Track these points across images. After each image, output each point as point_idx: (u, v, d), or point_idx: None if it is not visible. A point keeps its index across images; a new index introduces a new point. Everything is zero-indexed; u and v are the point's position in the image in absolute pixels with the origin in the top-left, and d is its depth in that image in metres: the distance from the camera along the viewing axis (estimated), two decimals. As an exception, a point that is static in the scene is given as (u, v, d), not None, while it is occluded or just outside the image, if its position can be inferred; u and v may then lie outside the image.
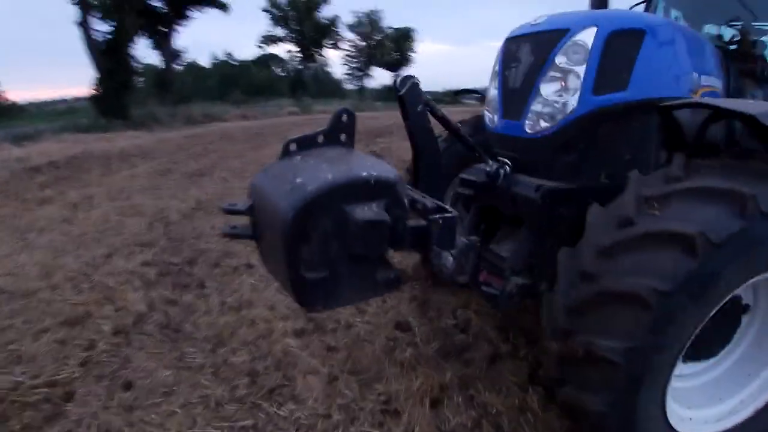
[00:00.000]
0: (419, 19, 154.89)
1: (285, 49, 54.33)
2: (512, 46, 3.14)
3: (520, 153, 3.02)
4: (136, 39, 27.56)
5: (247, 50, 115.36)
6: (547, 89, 2.83)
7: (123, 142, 16.08)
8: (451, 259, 2.30)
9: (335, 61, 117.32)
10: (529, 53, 2.98)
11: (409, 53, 62.24)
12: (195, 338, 3.75)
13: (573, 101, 2.75)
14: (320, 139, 2.38)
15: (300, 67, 54.36)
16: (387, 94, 64.16)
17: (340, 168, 2.02)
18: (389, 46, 58.06)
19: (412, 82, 2.75)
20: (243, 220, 2.21)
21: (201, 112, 27.36)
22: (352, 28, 56.53)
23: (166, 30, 34.09)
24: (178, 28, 35.03)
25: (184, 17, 34.66)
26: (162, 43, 34.14)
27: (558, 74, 2.80)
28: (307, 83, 53.37)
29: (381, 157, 13.72)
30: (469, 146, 3.11)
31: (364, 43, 57.39)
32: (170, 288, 4.61)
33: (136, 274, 4.89)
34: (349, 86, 62.35)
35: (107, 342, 3.68)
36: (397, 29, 59.78)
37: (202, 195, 8.30)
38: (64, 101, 51.33)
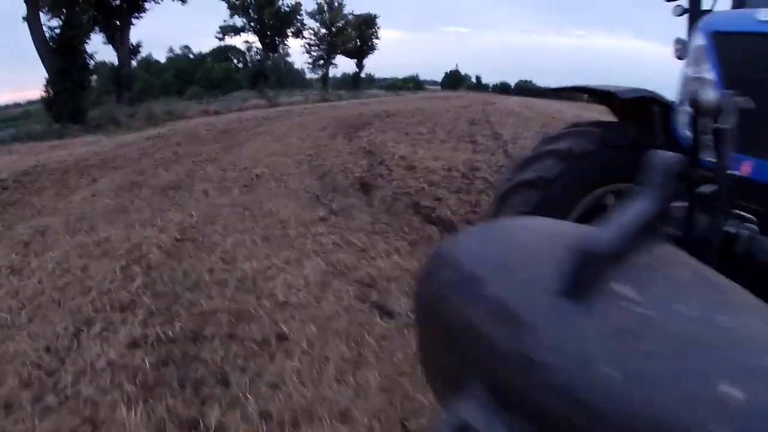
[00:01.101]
0: (376, 7, 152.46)
1: (245, 40, 51.48)
2: (748, 47, 2.34)
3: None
4: (89, 34, 25.41)
5: (207, 43, 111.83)
6: None
7: (80, 149, 14.27)
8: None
9: (297, 50, 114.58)
10: None
11: (373, 40, 60.87)
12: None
13: None
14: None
15: (261, 58, 52.06)
16: (351, 82, 63.12)
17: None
18: (351, 33, 56.36)
19: None
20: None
21: (162, 110, 25.38)
22: (313, 15, 54.58)
23: (122, 24, 31.70)
24: (135, 21, 32.71)
25: (141, 9, 32.35)
26: (117, 37, 31.77)
27: None
28: (269, 74, 51.30)
29: (375, 155, 12.32)
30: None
31: (325, 31, 55.49)
32: (179, 394, 3.08)
33: (123, 369, 3.34)
34: (311, 75, 60.59)
35: None
36: (358, 16, 58.23)
37: (185, 218, 6.74)
38: (18, 105, 48.33)
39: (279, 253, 5.39)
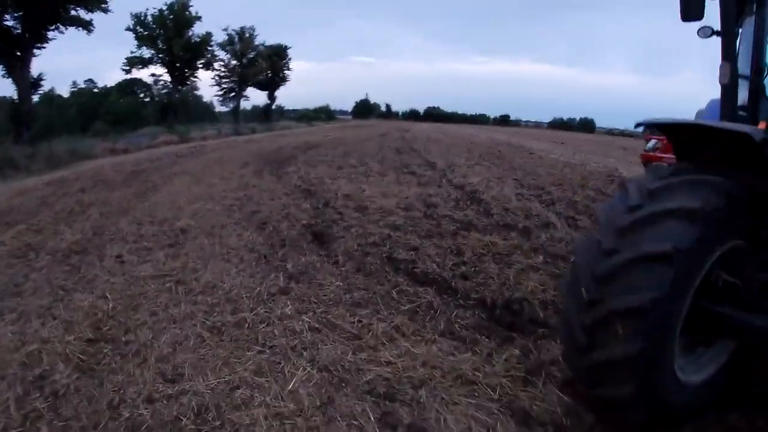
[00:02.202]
0: (285, 38, 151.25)
1: (151, 73, 48.16)
2: None
3: None
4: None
5: (113, 76, 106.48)
6: None
7: (-35, 201, 11.93)
8: None
9: (206, 82, 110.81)
10: None
11: (284, 71, 59.33)
12: None
13: None
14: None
15: (169, 91, 49.24)
16: (262, 114, 61.10)
17: None
18: (263, 64, 54.58)
19: None
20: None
21: (65, 150, 22.75)
22: (223, 46, 52.39)
23: (23, 55, 28.33)
24: (37, 51, 29.33)
25: (44, 39, 29.17)
26: (17, 70, 28.36)
27: None
28: (177, 108, 48.66)
29: (315, 194, 10.82)
30: None
31: (236, 62, 53.39)
32: None
33: None
34: (221, 109, 58.32)
35: None
36: (269, 46, 56.55)
37: (98, 303, 4.96)
38: None
39: (242, 357, 3.79)
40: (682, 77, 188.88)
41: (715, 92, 3.51)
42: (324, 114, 73.97)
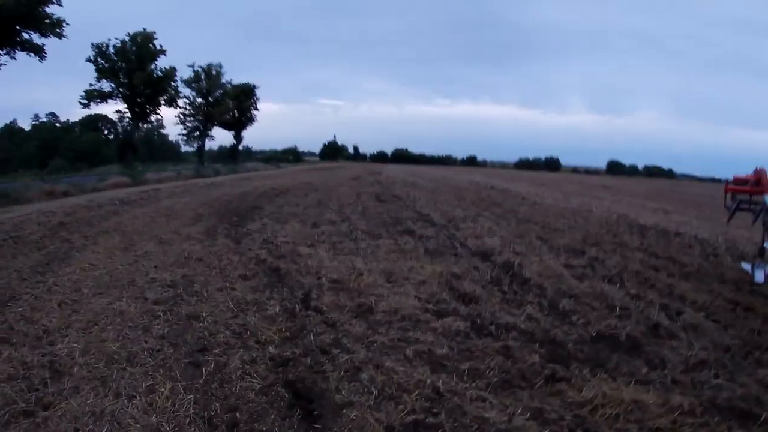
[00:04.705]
0: (254, 78, 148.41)
1: (116, 109, 43.72)
2: None
3: None
4: None
5: (79, 111, 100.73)
6: None
7: None
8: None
9: (171, 120, 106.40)
10: None
11: (252, 111, 55.76)
12: None
13: None
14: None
15: (129, 128, 44.99)
16: (228, 155, 57.24)
17: None
18: (230, 103, 50.86)
19: None
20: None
21: (-6, 192, 18.61)
22: (189, 83, 48.46)
23: None
24: None
25: None
26: None
27: None
28: (139, 147, 44.51)
29: (287, 278, 7.18)
30: None
31: (202, 100, 49.48)
32: None
33: None
34: (187, 148, 54.31)
35: None
36: (237, 85, 52.95)
37: None
38: None
39: None
40: (638, 116, 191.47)
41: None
42: (291, 155, 70.90)
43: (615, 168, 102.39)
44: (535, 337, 4.95)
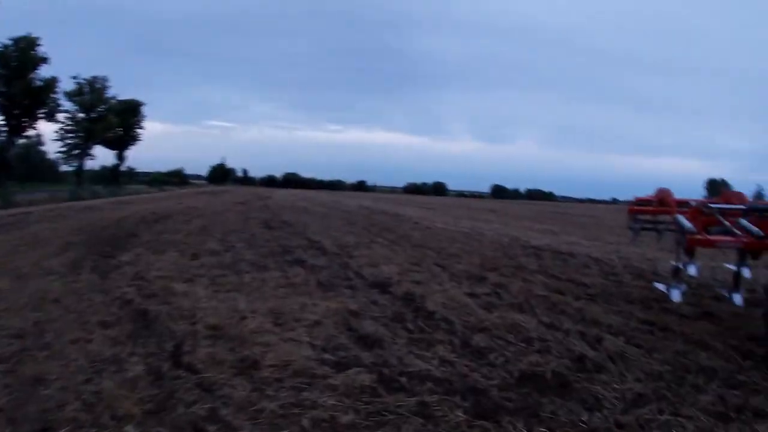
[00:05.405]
0: (140, 95, 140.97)
1: None
2: None
3: None
4: None
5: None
6: None
7: None
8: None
9: (49, 135, 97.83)
10: None
11: (137, 130, 52.32)
12: None
13: None
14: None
15: (4, 143, 40.34)
16: (110, 175, 53.17)
17: None
18: (113, 120, 47.27)
19: None
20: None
21: None
22: (70, 96, 44.45)
23: None
24: None
25: None
26: None
27: None
28: (14, 164, 40.11)
29: (157, 323, 5.94)
30: None
31: (84, 115, 45.53)
32: None
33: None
34: (65, 167, 49.86)
35: None
36: (122, 101, 49.44)
37: None
38: None
39: None
40: (519, 143, 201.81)
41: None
42: (178, 178, 67.63)
43: (499, 192, 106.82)
44: (453, 386, 4.14)
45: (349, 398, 3.79)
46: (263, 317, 5.78)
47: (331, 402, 3.70)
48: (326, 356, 4.61)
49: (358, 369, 4.29)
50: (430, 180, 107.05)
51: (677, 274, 6.59)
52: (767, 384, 4.26)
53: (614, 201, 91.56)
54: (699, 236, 6.35)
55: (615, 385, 4.27)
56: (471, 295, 7.56)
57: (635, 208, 8.37)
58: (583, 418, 3.68)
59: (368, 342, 5.09)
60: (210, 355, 4.59)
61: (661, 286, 7.04)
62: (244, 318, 5.67)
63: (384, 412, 3.61)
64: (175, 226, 16.42)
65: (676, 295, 6.49)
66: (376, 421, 3.50)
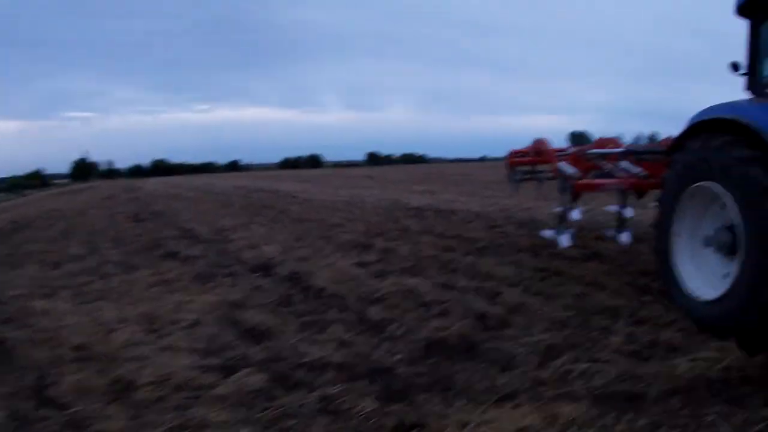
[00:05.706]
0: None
1: None
2: None
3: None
4: None
5: None
6: None
7: None
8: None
9: None
10: None
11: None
12: None
13: None
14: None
15: None
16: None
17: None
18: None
19: None
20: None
21: None
22: None
23: None
24: None
25: None
26: None
27: None
28: None
29: (13, 354, 4.97)
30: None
31: None
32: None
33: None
34: None
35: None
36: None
37: None
38: None
39: None
40: (390, 110, 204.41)
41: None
42: (37, 180, 62.06)
43: (374, 159, 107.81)
44: (357, 370, 3.75)
45: (242, 407, 3.27)
46: (135, 325, 5.04)
47: (223, 417, 3.16)
48: (210, 361, 4.02)
49: (248, 370, 3.76)
50: (305, 153, 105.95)
51: (563, 220, 6.59)
52: (673, 317, 4.25)
53: (483, 159, 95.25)
54: (584, 181, 6.38)
55: (523, 339, 4.09)
56: (360, 264, 7.23)
57: (514, 160, 8.33)
58: (500, 382, 3.43)
59: (255, 335, 4.57)
60: (78, 384, 3.82)
61: (548, 233, 7.04)
62: (112, 330, 4.89)
63: (284, 417, 3.13)
64: (35, 233, 14.61)
65: (564, 240, 6.51)
66: (277, 430, 3.02)
